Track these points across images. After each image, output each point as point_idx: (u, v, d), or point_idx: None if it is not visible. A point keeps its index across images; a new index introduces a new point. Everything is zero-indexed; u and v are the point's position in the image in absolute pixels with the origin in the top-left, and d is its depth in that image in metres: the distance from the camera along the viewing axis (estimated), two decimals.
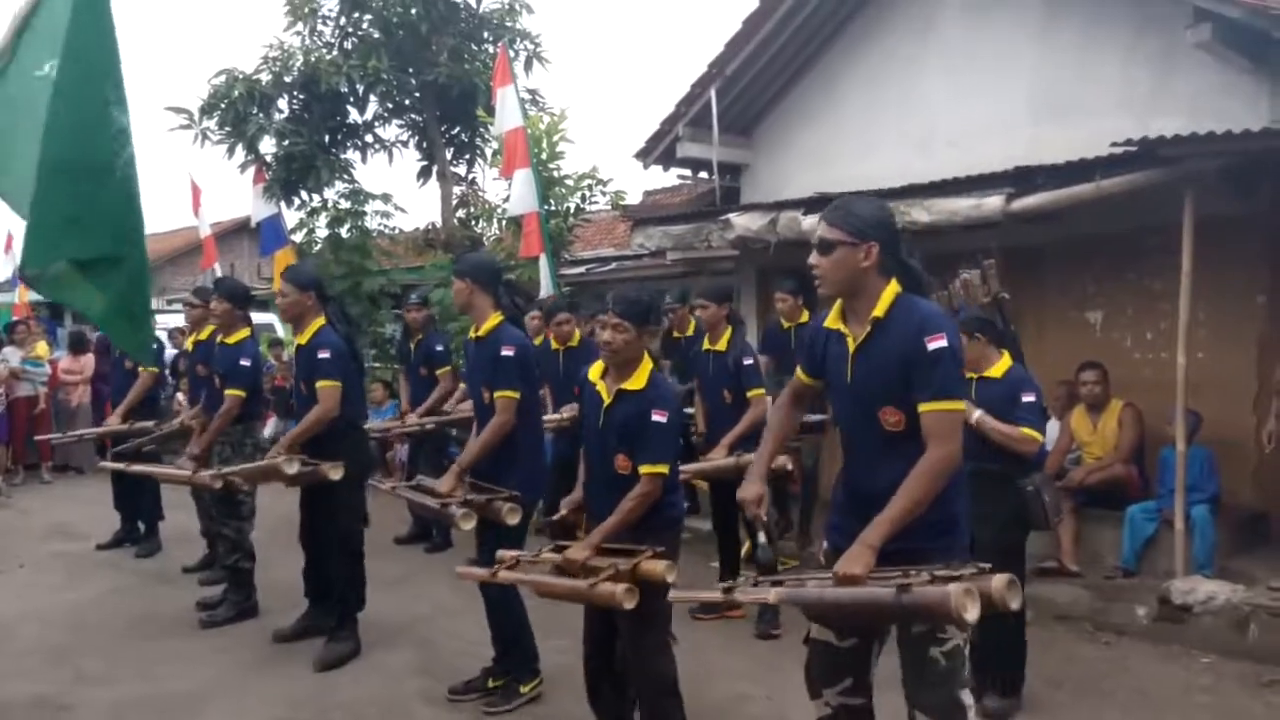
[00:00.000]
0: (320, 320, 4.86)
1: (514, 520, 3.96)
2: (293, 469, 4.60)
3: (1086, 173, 5.45)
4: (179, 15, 69.35)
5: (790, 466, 5.41)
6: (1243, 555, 5.50)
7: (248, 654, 4.95)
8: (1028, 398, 3.93)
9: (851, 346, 2.64)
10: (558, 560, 3.36)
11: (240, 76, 11.09)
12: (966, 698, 2.54)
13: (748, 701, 4.25)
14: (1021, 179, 5.77)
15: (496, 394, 4.09)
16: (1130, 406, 5.94)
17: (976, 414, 3.88)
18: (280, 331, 14.86)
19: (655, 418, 3.30)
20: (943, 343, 2.49)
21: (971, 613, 2.21)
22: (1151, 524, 5.56)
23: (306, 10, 11.38)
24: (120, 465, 6.15)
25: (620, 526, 3.30)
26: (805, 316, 6.50)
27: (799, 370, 2.92)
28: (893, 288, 2.61)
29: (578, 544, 3.35)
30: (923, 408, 2.50)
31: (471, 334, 4.31)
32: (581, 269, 12.70)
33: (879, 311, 2.59)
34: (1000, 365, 4.05)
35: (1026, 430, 3.88)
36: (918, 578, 2.30)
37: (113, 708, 4.28)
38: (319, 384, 4.70)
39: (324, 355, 4.73)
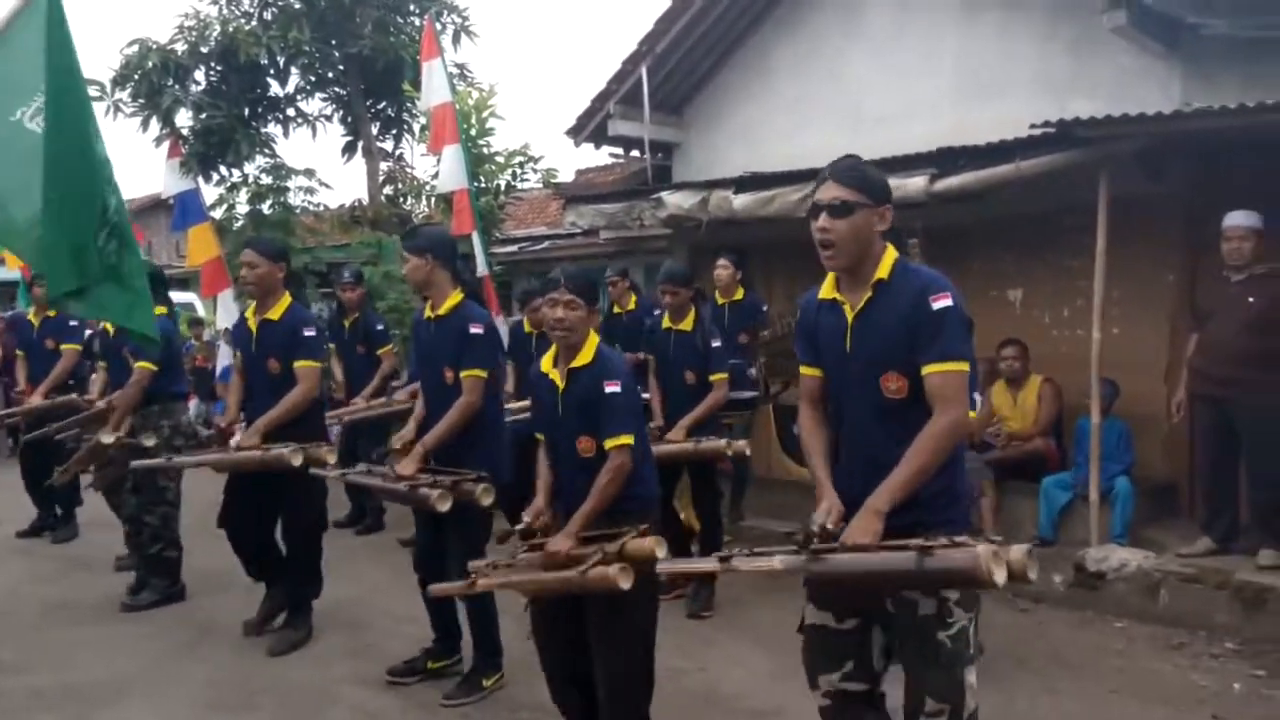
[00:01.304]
0: (288, 296, 4.66)
1: (488, 500, 3.87)
2: (298, 460, 4.37)
3: (1006, 154, 5.56)
4: None
5: (748, 451, 5.42)
6: (1154, 524, 5.72)
7: (170, 640, 4.84)
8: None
9: (850, 315, 2.53)
10: (537, 559, 3.23)
11: (154, 47, 10.72)
12: (972, 677, 2.45)
13: (682, 675, 4.30)
14: (944, 160, 5.87)
15: (464, 373, 3.96)
16: (1049, 382, 6.13)
17: None
18: (200, 310, 14.47)
19: (608, 389, 3.21)
20: (948, 302, 2.41)
21: (999, 575, 2.13)
22: (1066, 494, 5.76)
23: None
24: (61, 471, 5.88)
25: (599, 508, 3.18)
26: (740, 293, 6.58)
27: (803, 367, 2.74)
28: (891, 251, 2.54)
29: (556, 536, 3.21)
30: (928, 369, 2.40)
31: (428, 313, 4.13)
32: (514, 248, 12.61)
33: (882, 273, 2.49)
34: None
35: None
36: (939, 541, 2.20)
37: (32, 696, 4.16)
38: (301, 364, 4.51)
39: (309, 333, 4.56)
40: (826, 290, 2.62)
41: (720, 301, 6.56)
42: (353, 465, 5.19)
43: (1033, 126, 5.33)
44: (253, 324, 4.66)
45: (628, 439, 3.21)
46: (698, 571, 2.69)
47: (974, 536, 2.32)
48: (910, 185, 5.81)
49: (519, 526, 3.38)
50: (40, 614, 5.28)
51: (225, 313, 8.94)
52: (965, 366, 2.43)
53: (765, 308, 6.96)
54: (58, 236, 3.70)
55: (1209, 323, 5.20)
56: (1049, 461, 6.01)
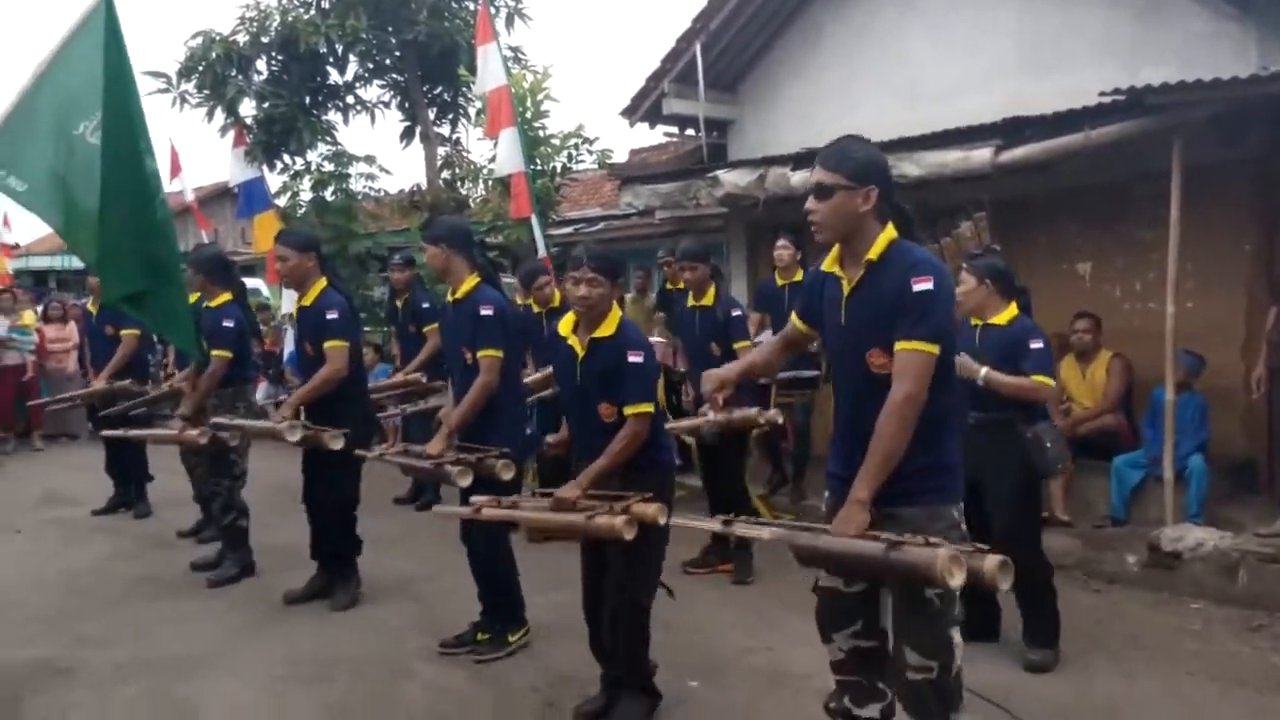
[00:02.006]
0: (322, 281, 4.87)
1: (508, 475, 4.00)
2: (295, 436, 4.61)
3: (1075, 123, 5.44)
4: None
5: (781, 420, 5.44)
6: (1232, 502, 5.58)
7: (247, 615, 4.98)
8: (1035, 344, 3.92)
9: (846, 289, 2.64)
10: (545, 504, 3.43)
11: (217, 38, 10.90)
12: (956, 636, 2.59)
13: (749, 654, 4.30)
14: (1010, 130, 5.75)
15: (479, 353, 4.13)
16: (1119, 357, 5.98)
17: (983, 372, 3.89)
18: (266, 294, 14.78)
19: (631, 358, 3.42)
20: (928, 285, 2.49)
21: (956, 579, 2.25)
22: (1138, 473, 5.63)
23: None
24: (118, 432, 6.21)
25: (610, 467, 3.38)
26: (800, 274, 6.51)
27: (793, 315, 2.94)
28: (889, 232, 2.61)
29: (567, 485, 3.40)
30: (897, 346, 2.50)
31: (449, 297, 4.33)
32: (569, 229, 12.63)
33: (873, 254, 2.58)
34: (1006, 313, 4.05)
35: (1037, 377, 3.87)
36: (913, 539, 2.34)
37: (114, 670, 4.30)
38: (327, 344, 4.73)
39: (332, 315, 4.75)
40: (829, 264, 2.74)
41: (780, 283, 6.51)
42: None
43: (1103, 94, 5.20)
44: (295, 312, 5.00)
45: (648, 407, 3.41)
46: (702, 529, 3.05)
47: (961, 542, 2.42)
48: (975, 157, 5.71)
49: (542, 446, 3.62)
50: (122, 590, 5.46)
51: (290, 298, 9.11)
52: (933, 349, 2.50)
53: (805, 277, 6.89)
54: (112, 244, 4.02)
55: None
56: (1120, 438, 5.87)
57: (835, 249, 2.71)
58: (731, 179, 7.22)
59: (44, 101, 4.04)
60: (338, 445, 4.62)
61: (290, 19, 10.82)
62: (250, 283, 14.29)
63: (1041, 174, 5.94)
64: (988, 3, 6.97)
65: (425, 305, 7.23)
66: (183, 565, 5.82)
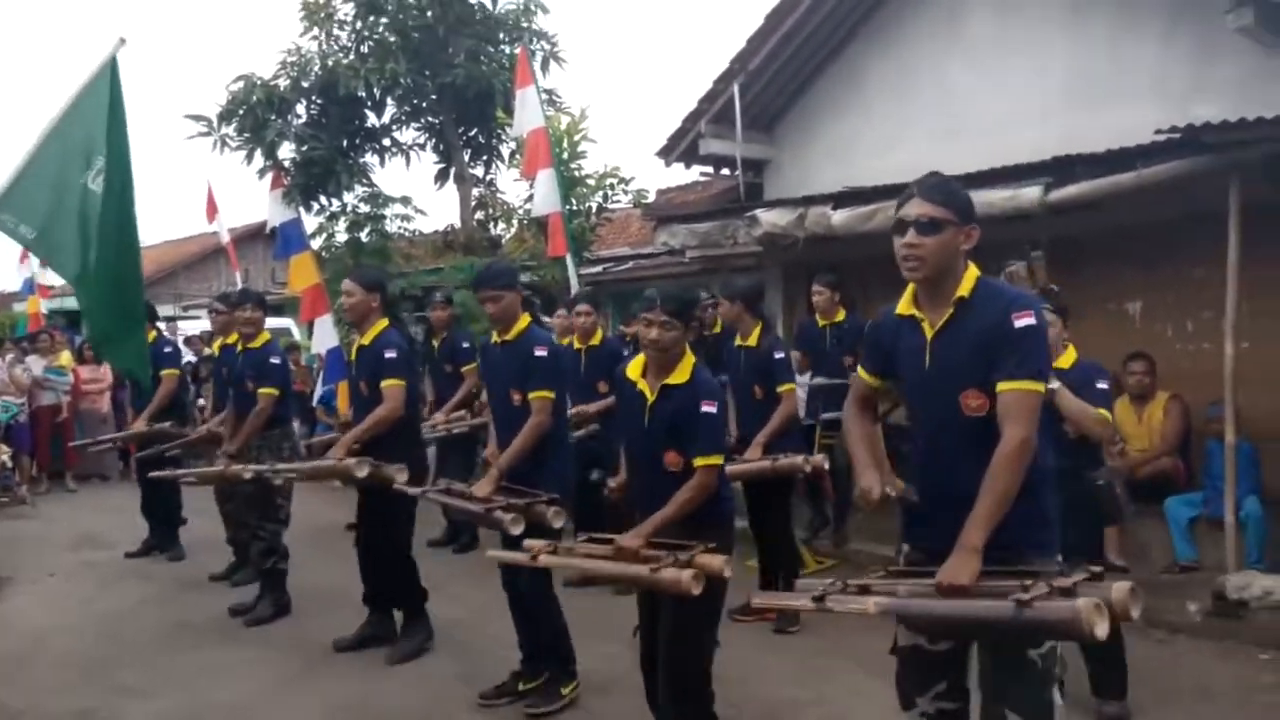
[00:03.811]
0: (384, 321, 4.85)
1: (559, 523, 3.92)
2: (363, 472, 4.53)
3: (1127, 161, 5.34)
4: (196, 22, 69.67)
5: (826, 465, 5.33)
6: None
7: (288, 663, 4.89)
8: (1101, 384, 3.83)
9: (929, 332, 2.53)
10: (604, 551, 3.31)
11: (259, 82, 11.11)
12: (1057, 697, 2.46)
13: (801, 708, 4.17)
14: (1060, 169, 5.67)
15: (532, 395, 4.07)
16: (1176, 398, 5.84)
17: (1055, 384, 3.78)
18: (296, 335, 14.87)
19: (705, 408, 3.29)
20: (1030, 320, 2.38)
21: (1101, 629, 2.08)
22: (1191, 511, 5.48)
23: (323, 15, 11.37)
24: (164, 473, 6.16)
25: (676, 517, 3.25)
26: (841, 315, 6.44)
27: (860, 371, 2.82)
28: (974, 270, 2.52)
29: (628, 533, 3.27)
30: (1001, 386, 2.38)
31: (496, 338, 4.28)
32: (598, 268, 12.64)
33: (964, 291, 2.48)
34: (1068, 356, 3.96)
35: (1102, 410, 3.77)
36: (1036, 589, 2.17)
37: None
38: (385, 383, 4.69)
39: (390, 355, 4.73)
40: (905, 306, 2.61)
41: (821, 324, 6.44)
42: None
43: (1159, 132, 5.10)
44: (352, 352, 4.94)
45: (719, 459, 3.30)
46: (792, 608, 2.70)
47: (1074, 570, 2.32)
48: (1024, 196, 5.63)
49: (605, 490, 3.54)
50: (158, 637, 5.39)
51: (322, 337, 9.12)
52: (1040, 387, 2.41)
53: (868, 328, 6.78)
54: (103, 290, 4.17)
55: None
56: (1176, 481, 5.72)
57: (909, 292, 2.60)
58: (770, 218, 7.16)
59: (53, 152, 4.24)
60: (403, 478, 4.56)
61: (330, 63, 11.02)
62: (280, 323, 14.43)
63: (1089, 212, 5.85)
64: (1037, 38, 6.92)
65: (465, 345, 7.20)
66: (217, 609, 5.74)
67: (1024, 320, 2.38)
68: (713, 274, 9.78)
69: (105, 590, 6.41)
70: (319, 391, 9.68)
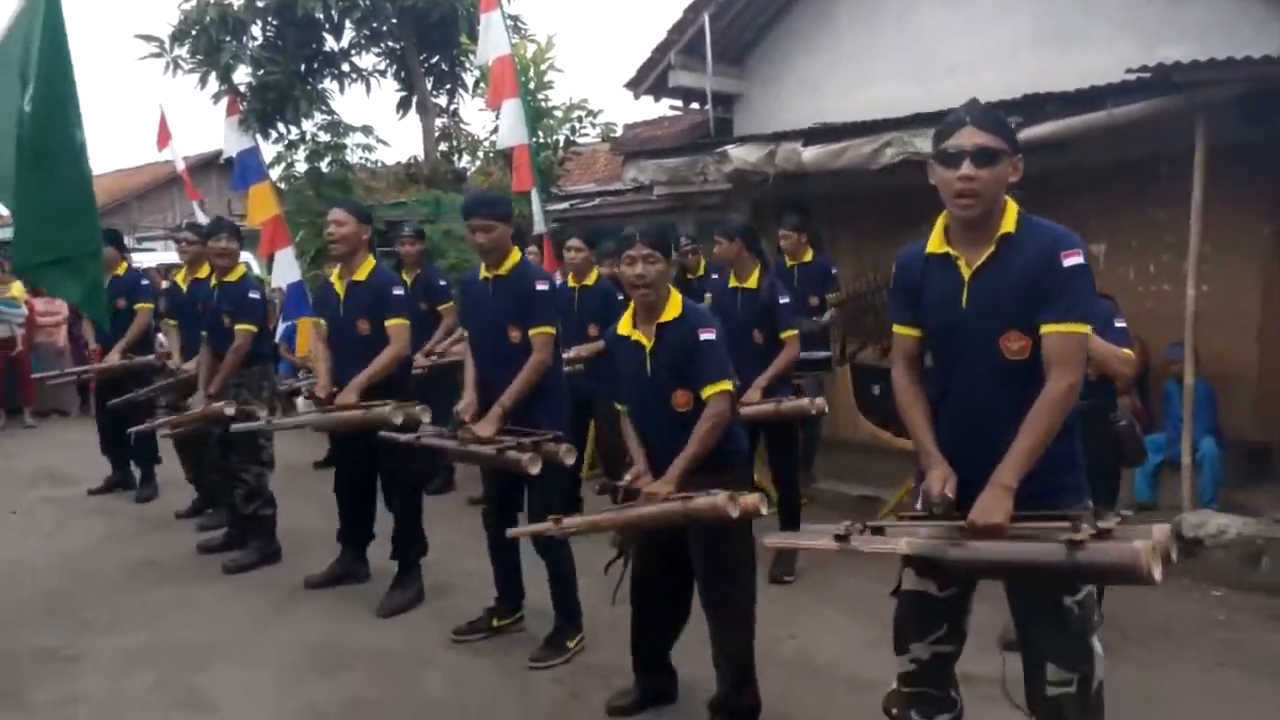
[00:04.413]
0: (372, 258, 4.66)
1: (570, 459, 3.88)
2: (399, 418, 4.35)
3: (1098, 100, 5.33)
4: None
5: (827, 409, 5.29)
6: (1247, 488, 5.55)
7: (256, 602, 4.87)
8: (1120, 323, 3.79)
9: (967, 271, 2.39)
10: (620, 512, 3.25)
11: (212, 1, 10.67)
12: (1098, 645, 2.38)
13: (775, 643, 4.23)
14: (1030, 107, 5.64)
15: (533, 331, 3.98)
16: (1136, 340, 5.90)
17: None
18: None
19: (704, 336, 3.24)
20: (1079, 259, 2.28)
21: (1158, 571, 2.01)
22: (1158, 456, 5.59)
23: None
24: (145, 426, 5.96)
25: (700, 452, 3.17)
26: (809, 255, 6.42)
27: (898, 326, 2.60)
28: (1014, 205, 2.39)
29: (656, 481, 3.20)
30: (1047, 329, 2.27)
31: (485, 273, 4.13)
32: (565, 204, 12.49)
33: (1009, 227, 2.35)
34: None
35: (1125, 350, 3.73)
36: (1083, 531, 2.09)
37: (123, 658, 4.22)
38: (392, 322, 4.56)
39: (397, 291, 4.61)
40: (936, 244, 2.46)
41: (789, 264, 6.42)
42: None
43: (1129, 71, 5.09)
44: (340, 287, 4.67)
45: (728, 384, 3.25)
46: (815, 548, 2.59)
47: (1107, 512, 2.25)
48: None
49: (620, 483, 3.36)
50: (125, 573, 5.35)
51: (282, 271, 8.93)
52: (1087, 329, 2.31)
53: (836, 270, 6.78)
54: (32, 210, 4.00)
55: None
56: (1138, 422, 5.82)
57: (939, 228, 2.47)
58: (741, 154, 7.08)
59: None
60: (426, 418, 4.45)
61: None
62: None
63: (1057, 152, 5.84)
64: None
65: (441, 282, 6.99)
66: (184, 548, 5.71)
67: (1073, 259, 2.27)
68: (681, 211, 9.72)
69: (68, 527, 6.36)
70: (280, 328, 9.51)
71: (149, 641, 4.39)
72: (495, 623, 4.32)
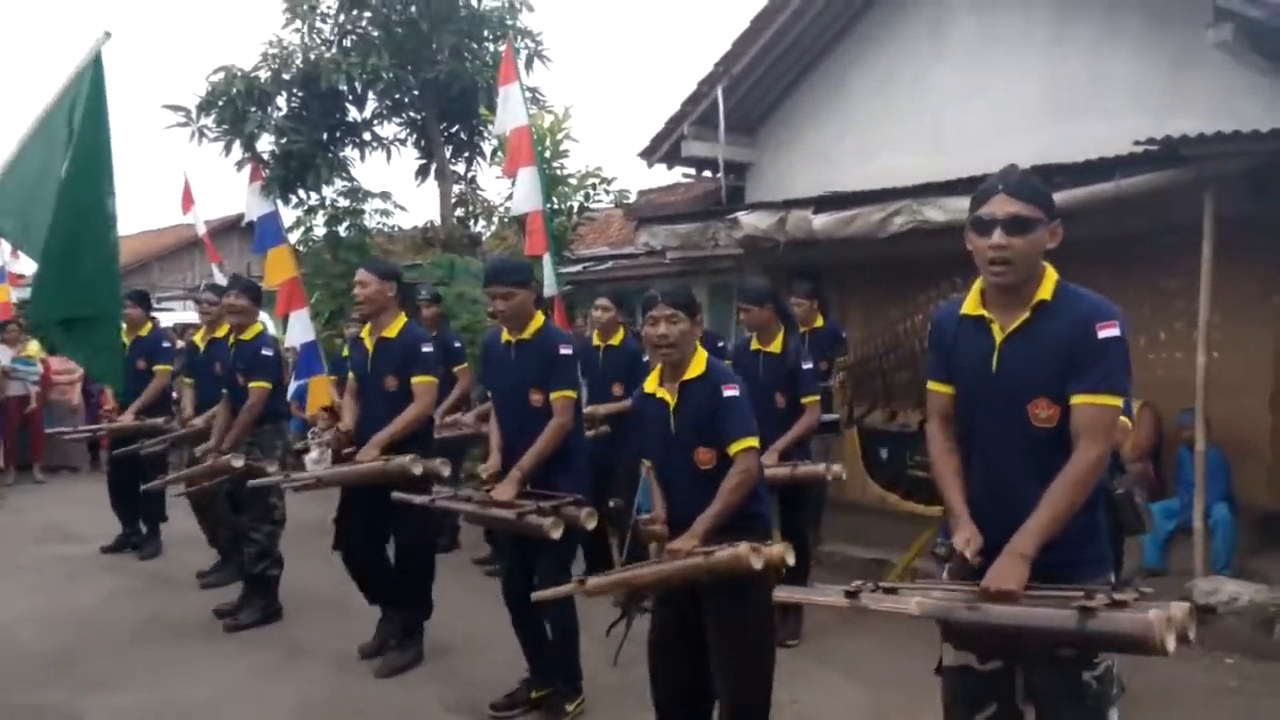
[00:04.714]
0: (403, 315, 4.66)
1: (591, 524, 3.81)
2: (419, 470, 4.33)
3: (1106, 172, 5.40)
4: (177, 11, 68.92)
5: (844, 475, 5.23)
6: (1260, 556, 5.49)
7: (259, 660, 4.84)
8: None
9: (1000, 335, 2.37)
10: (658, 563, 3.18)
11: (239, 74, 11.00)
12: (1114, 717, 2.34)
13: (777, 709, 4.16)
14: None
15: (554, 395, 3.95)
16: (1148, 406, 5.91)
17: None
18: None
19: (727, 393, 3.21)
20: (1114, 331, 2.26)
21: (1172, 643, 1.99)
22: (1170, 523, 5.54)
23: (305, 7, 11.28)
24: (156, 483, 6.01)
25: (726, 511, 3.12)
26: (820, 321, 6.46)
27: (933, 384, 2.56)
28: (1053, 272, 2.37)
29: (680, 537, 3.14)
30: (1077, 399, 2.25)
31: (507, 336, 4.10)
32: (577, 267, 12.63)
33: (1045, 294, 2.33)
34: None
35: (1124, 418, 3.74)
36: (1097, 600, 2.07)
37: (123, 715, 4.18)
38: (419, 379, 4.52)
39: (427, 349, 4.58)
40: (971, 306, 2.45)
41: (802, 330, 6.44)
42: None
43: (1137, 143, 5.17)
44: (369, 343, 4.66)
45: (753, 441, 3.19)
46: (823, 604, 2.55)
47: (1125, 588, 2.21)
48: None
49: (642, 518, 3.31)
50: (131, 630, 5.33)
51: (297, 331, 9.02)
52: (1119, 402, 2.28)
53: (845, 334, 6.82)
54: (56, 271, 4.05)
55: None
56: (1149, 488, 5.78)
57: (975, 290, 2.45)
58: (751, 221, 7.18)
59: (38, 147, 4.13)
60: (446, 471, 4.44)
61: (312, 56, 10.93)
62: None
63: (1066, 222, 5.89)
64: (1019, 49, 6.99)
65: (457, 344, 7.05)
66: (192, 606, 5.68)
67: (1108, 330, 2.26)
68: (693, 275, 9.81)
69: (75, 583, 6.33)
70: (292, 386, 9.57)
71: (149, 700, 4.35)
72: (533, 695, 4.17)
